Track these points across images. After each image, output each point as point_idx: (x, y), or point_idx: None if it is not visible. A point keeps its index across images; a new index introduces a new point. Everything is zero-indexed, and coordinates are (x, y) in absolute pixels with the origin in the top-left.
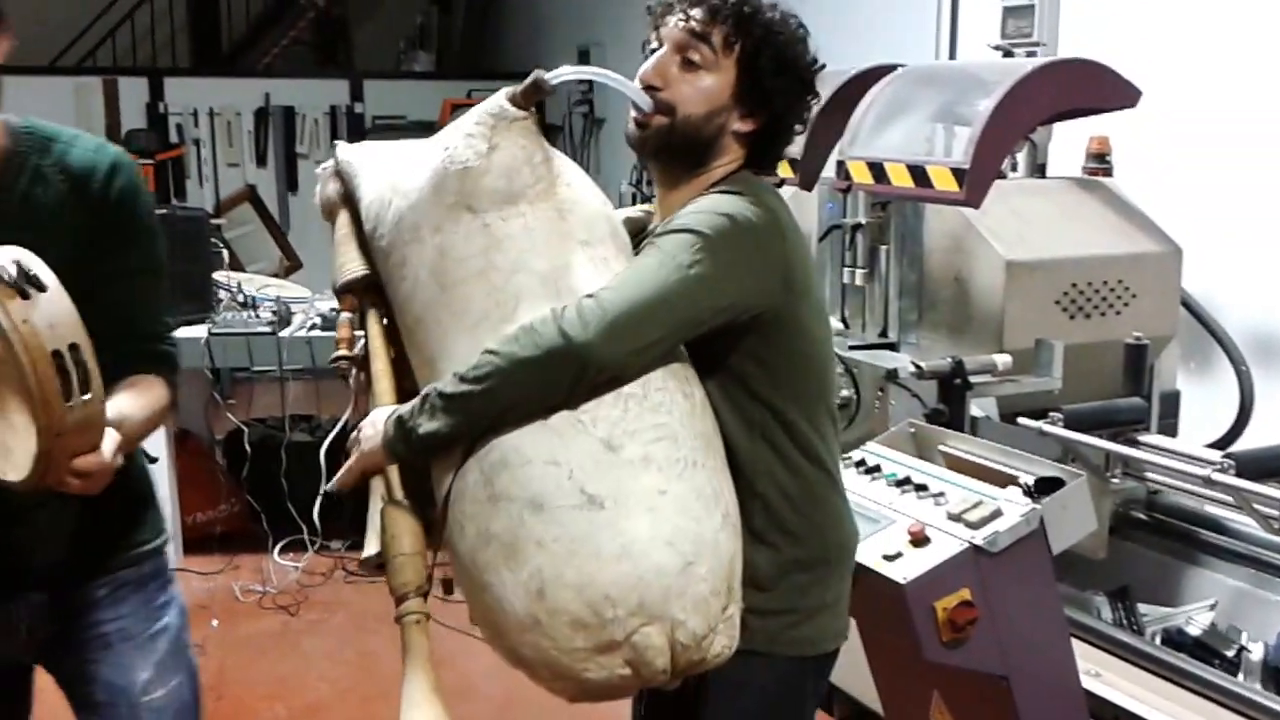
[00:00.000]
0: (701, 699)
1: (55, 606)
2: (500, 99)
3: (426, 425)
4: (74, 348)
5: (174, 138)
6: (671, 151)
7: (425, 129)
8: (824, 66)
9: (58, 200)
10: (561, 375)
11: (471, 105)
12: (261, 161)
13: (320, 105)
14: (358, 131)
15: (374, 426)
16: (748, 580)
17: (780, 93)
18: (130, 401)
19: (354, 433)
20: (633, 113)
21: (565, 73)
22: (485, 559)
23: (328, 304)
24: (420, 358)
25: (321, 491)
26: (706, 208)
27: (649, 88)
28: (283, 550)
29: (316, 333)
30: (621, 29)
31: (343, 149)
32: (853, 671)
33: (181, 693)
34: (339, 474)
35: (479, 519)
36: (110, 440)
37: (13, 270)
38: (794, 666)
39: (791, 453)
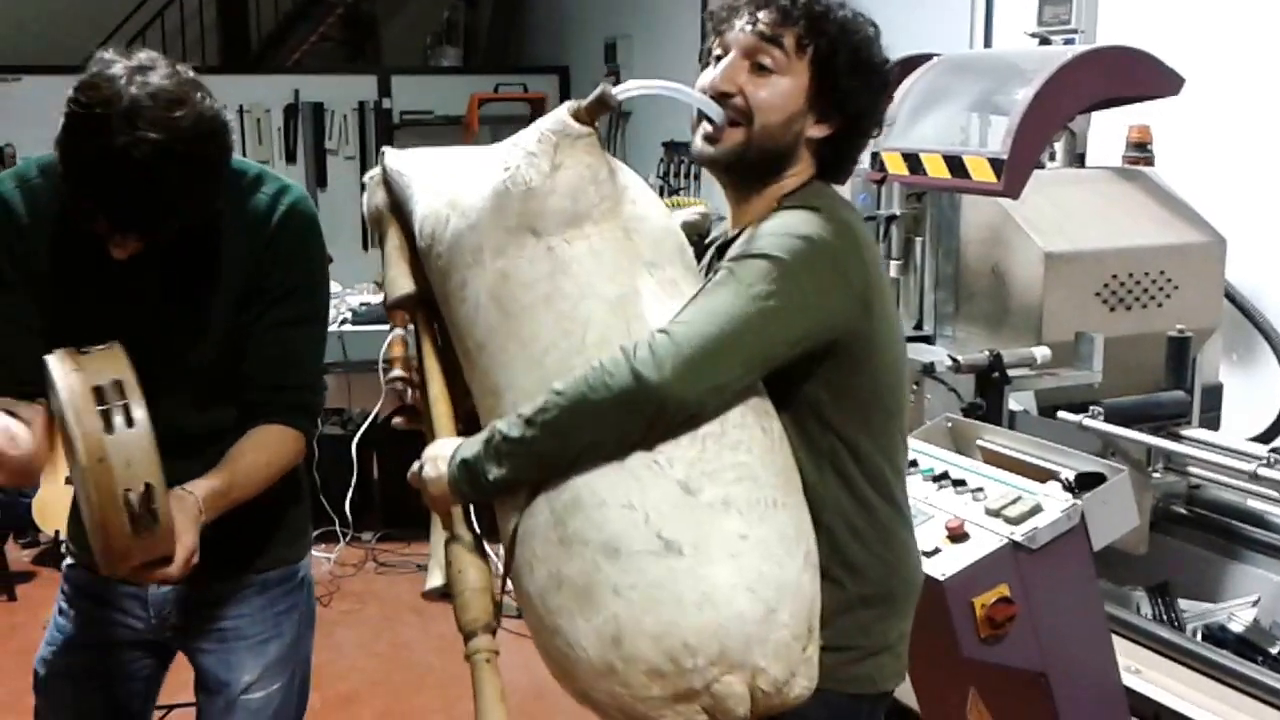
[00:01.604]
0: None
1: (183, 599)
2: (563, 114)
3: (494, 472)
4: (147, 489)
5: None
6: (746, 166)
7: (453, 124)
8: (895, 66)
9: (227, 242)
10: (637, 418)
11: (499, 100)
12: (291, 158)
13: (349, 101)
14: (386, 127)
15: (436, 467)
16: None
17: (856, 94)
18: (250, 459)
19: (416, 466)
20: (703, 127)
21: (631, 87)
22: (557, 603)
23: (358, 299)
24: (485, 386)
25: (352, 484)
26: (783, 229)
27: (721, 95)
28: (315, 541)
29: (348, 327)
30: (649, 22)
31: (391, 156)
32: None
33: (280, 697)
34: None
35: (550, 561)
36: (185, 545)
37: (115, 399)
38: (848, 704)
39: (861, 485)
